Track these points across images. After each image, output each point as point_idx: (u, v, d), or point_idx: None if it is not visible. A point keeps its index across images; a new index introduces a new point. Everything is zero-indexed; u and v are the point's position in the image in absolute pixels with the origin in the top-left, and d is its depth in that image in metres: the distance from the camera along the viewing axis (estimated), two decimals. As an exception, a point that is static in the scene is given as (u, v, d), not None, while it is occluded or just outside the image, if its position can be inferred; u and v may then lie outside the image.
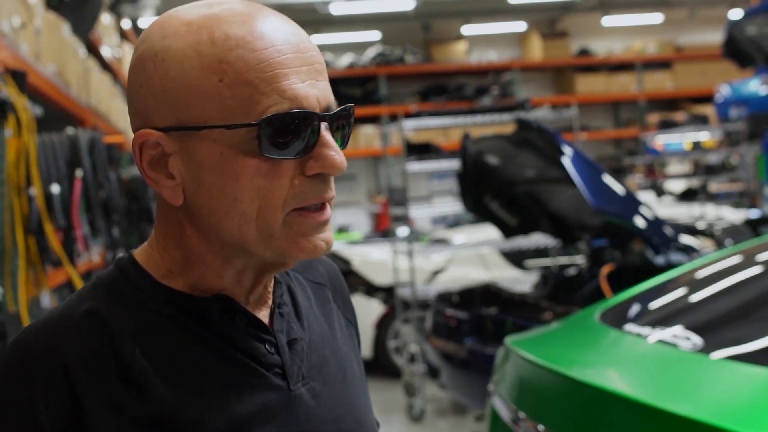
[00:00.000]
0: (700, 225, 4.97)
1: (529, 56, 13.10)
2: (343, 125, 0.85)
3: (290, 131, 0.79)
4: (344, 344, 1.00)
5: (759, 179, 8.62)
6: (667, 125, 9.70)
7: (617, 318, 2.30)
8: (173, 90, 0.80)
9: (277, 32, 0.81)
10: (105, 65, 4.89)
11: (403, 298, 5.93)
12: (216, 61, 0.79)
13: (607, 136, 13.17)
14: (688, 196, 9.09)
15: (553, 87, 13.55)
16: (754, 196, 8.55)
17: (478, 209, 4.88)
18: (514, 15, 13.01)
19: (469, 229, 7.56)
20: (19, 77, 2.39)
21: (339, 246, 7.58)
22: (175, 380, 0.82)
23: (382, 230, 10.39)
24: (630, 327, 2.18)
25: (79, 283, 2.73)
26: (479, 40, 13.20)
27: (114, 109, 4.77)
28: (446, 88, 12.28)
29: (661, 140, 9.99)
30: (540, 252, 6.35)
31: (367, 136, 11.57)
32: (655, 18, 13.54)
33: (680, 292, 2.39)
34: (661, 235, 3.86)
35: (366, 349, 6.59)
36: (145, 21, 6.60)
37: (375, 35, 12.86)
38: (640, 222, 3.82)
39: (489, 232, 6.25)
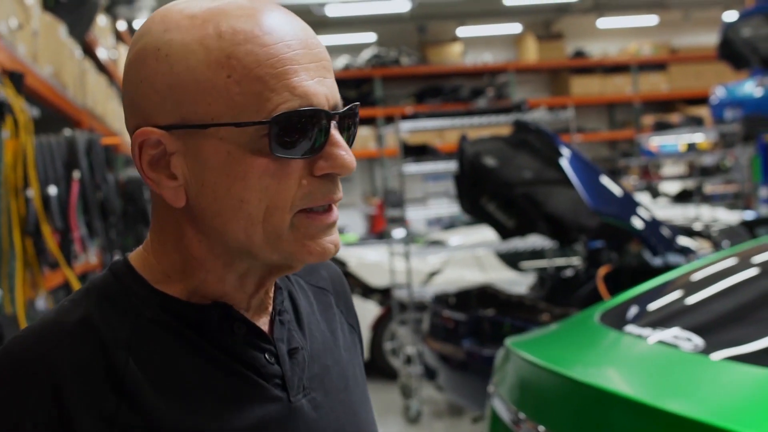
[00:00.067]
0: (697, 226, 4.98)
1: (524, 58, 13.12)
2: (349, 125, 0.82)
3: (300, 130, 0.76)
4: (346, 351, 0.96)
5: (753, 181, 8.64)
6: (662, 127, 9.73)
7: (617, 319, 2.30)
8: (177, 86, 0.76)
9: (286, 27, 0.78)
10: (101, 67, 4.88)
11: (399, 299, 5.93)
12: (224, 56, 0.76)
13: (602, 137, 13.20)
14: (683, 197, 9.11)
15: (548, 89, 13.57)
16: (749, 198, 8.57)
17: (475, 211, 4.88)
18: (510, 17, 13.03)
19: (465, 230, 7.56)
20: (16, 78, 2.38)
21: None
22: (169, 392, 0.78)
23: (377, 232, 10.39)
24: (630, 328, 2.18)
25: (76, 285, 2.72)
26: (474, 42, 13.22)
27: (109, 111, 4.76)
28: (441, 90, 12.29)
29: (656, 142, 10.01)
30: (536, 254, 6.36)
31: (362, 137, 11.57)
32: (650, 20, 13.58)
33: (680, 293, 2.40)
34: (658, 237, 3.87)
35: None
36: (141, 23, 6.57)
37: (370, 37, 12.86)
38: (637, 223, 3.82)
39: (484, 233, 6.26)
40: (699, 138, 9.56)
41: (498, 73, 12.57)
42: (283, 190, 0.77)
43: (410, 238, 5.70)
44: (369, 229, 11.86)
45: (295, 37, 0.77)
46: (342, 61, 12.32)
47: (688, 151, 9.15)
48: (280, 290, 0.89)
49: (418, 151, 6.13)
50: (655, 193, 9.80)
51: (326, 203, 0.80)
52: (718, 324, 2.09)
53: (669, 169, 11.53)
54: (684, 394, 1.76)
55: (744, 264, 2.36)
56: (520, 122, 4.19)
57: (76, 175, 2.90)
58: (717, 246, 4.26)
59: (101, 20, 4.85)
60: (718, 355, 1.83)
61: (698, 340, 1.90)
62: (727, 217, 6.78)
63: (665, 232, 3.92)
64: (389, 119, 9.22)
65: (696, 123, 9.46)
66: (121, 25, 6.17)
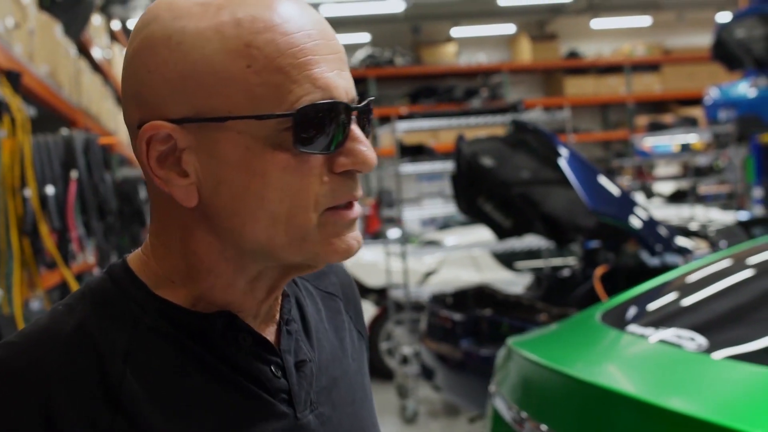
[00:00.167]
0: (694, 226, 5.00)
1: (518, 58, 13.15)
2: (365, 121, 0.77)
3: (321, 124, 0.72)
4: (354, 360, 0.92)
5: (747, 181, 8.68)
6: (655, 127, 9.77)
7: (619, 319, 2.30)
8: (191, 76, 0.71)
9: (304, 16, 0.73)
10: (95, 66, 4.86)
11: (396, 299, 5.93)
12: (243, 45, 0.71)
13: (595, 138, 13.24)
14: (677, 197, 9.15)
15: (542, 89, 13.60)
16: (742, 198, 8.61)
17: (471, 211, 4.88)
18: (504, 17, 13.06)
19: (460, 230, 7.57)
20: (13, 78, 2.37)
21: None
22: (169, 406, 0.73)
23: (371, 232, 10.39)
24: (632, 327, 2.18)
25: (73, 285, 2.71)
26: (469, 43, 13.24)
27: (104, 110, 4.74)
28: (436, 90, 12.31)
29: (649, 142, 10.04)
30: (532, 254, 6.37)
31: (356, 138, 11.56)
32: (644, 21, 13.64)
33: (682, 293, 2.40)
34: (656, 237, 3.87)
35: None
36: (135, 21, 6.56)
37: (365, 37, 12.87)
38: (635, 223, 3.83)
39: (480, 233, 6.26)
40: (693, 138, 9.60)
41: (492, 73, 12.59)
42: (306, 187, 0.73)
43: (406, 238, 5.70)
44: (364, 230, 11.86)
45: (314, 26, 0.73)
46: (336, 61, 12.33)
47: (682, 151, 9.18)
48: (288, 298, 0.84)
49: (414, 151, 6.13)
50: (649, 194, 9.83)
51: (349, 200, 0.76)
52: (720, 323, 2.10)
53: (663, 169, 11.58)
54: (686, 392, 1.76)
55: (744, 264, 2.37)
56: (519, 122, 4.19)
57: (74, 174, 2.89)
58: (714, 246, 4.27)
59: (96, 20, 4.84)
60: (720, 354, 1.83)
61: (701, 339, 1.90)
62: (722, 217, 6.80)
63: (663, 232, 3.92)
64: (384, 119, 9.21)
65: (690, 123, 9.49)
66: (116, 25, 6.16)
